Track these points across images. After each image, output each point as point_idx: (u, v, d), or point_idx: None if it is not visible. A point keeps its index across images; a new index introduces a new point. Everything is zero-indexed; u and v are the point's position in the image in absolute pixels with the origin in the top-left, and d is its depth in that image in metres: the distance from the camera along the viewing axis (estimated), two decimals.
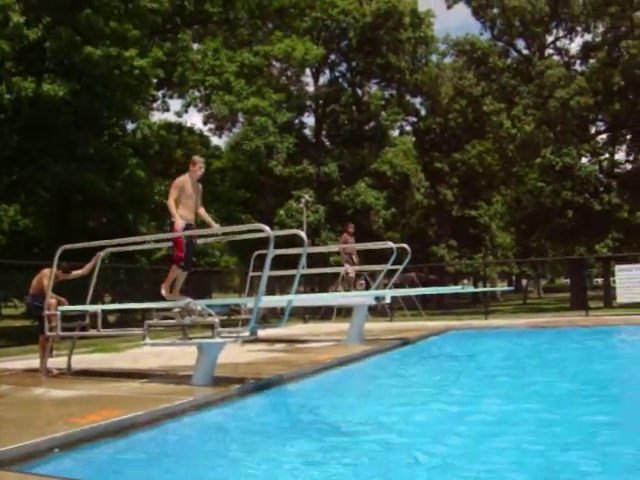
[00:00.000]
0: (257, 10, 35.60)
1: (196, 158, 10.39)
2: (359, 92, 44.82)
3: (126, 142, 30.40)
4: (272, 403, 8.48)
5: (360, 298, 15.04)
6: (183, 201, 9.90)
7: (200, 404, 7.43)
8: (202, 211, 10.27)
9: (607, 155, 39.03)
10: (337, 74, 45.27)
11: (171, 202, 9.82)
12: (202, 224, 10.36)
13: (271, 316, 23.01)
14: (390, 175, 39.16)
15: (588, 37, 40.28)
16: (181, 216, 9.70)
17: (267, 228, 8.28)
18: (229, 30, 36.91)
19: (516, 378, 9.99)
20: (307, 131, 45.81)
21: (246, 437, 6.37)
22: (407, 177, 39.93)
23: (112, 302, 26.56)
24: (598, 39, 38.45)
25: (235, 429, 6.81)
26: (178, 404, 7.14)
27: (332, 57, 44.00)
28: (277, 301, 13.80)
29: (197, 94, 37.89)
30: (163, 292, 9.79)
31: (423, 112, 50.80)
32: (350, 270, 18.02)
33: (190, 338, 8.90)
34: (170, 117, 53.52)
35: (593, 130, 40.19)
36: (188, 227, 9.89)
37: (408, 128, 51.13)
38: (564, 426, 6.35)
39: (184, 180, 10.02)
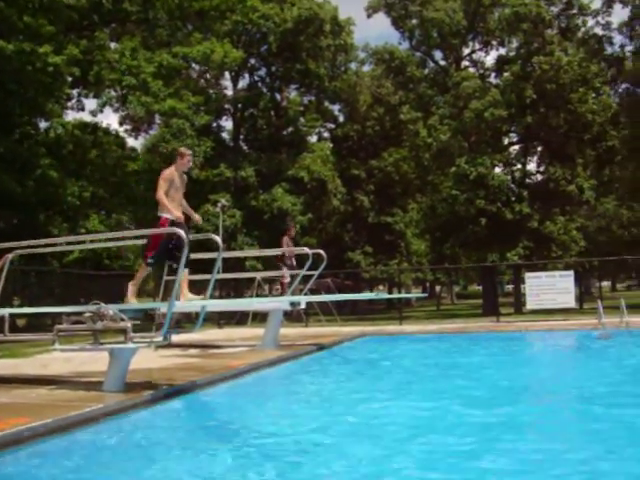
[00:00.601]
0: (177, 11, 35.29)
1: (183, 150, 10.13)
2: (278, 97, 44.85)
3: (39, 141, 29.75)
4: (184, 410, 8.41)
5: (275, 303, 15.04)
6: (172, 195, 9.58)
7: (111, 411, 7.29)
8: (184, 202, 10.05)
9: (519, 166, 40.14)
10: (256, 78, 45.21)
11: (162, 195, 9.45)
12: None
13: (185, 321, 22.81)
14: (307, 181, 39.26)
15: (503, 51, 41.50)
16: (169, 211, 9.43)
17: (181, 232, 8.21)
18: (148, 30, 36.42)
19: (424, 381, 10.28)
20: (225, 135, 45.63)
21: (156, 444, 6.31)
22: (324, 183, 40.09)
23: (21, 306, 25.84)
24: (512, 53, 39.55)
25: (146, 436, 6.72)
26: (88, 411, 6.98)
27: (252, 61, 43.88)
28: (191, 306, 13.67)
29: (113, 94, 37.24)
30: (128, 294, 9.57)
31: (341, 119, 51.25)
32: (287, 274, 18.14)
33: (102, 343, 8.72)
34: (85, 117, 52.31)
35: (506, 141, 41.30)
36: (175, 223, 9.46)
37: (326, 134, 51.43)
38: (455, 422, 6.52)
39: (172, 172, 9.70)
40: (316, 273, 15.03)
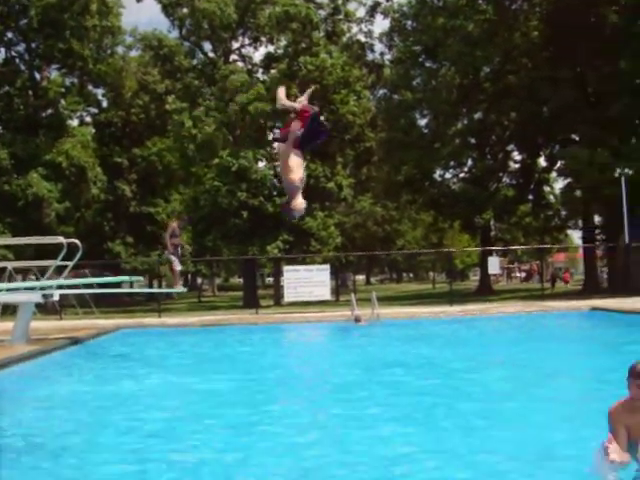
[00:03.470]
0: None
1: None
2: (37, 76, 42.59)
3: None
4: None
5: (25, 295, 14.25)
6: None
7: None
8: None
9: None
10: (14, 54, 42.62)
11: None
12: None
13: None
14: (66, 167, 37.68)
15: (271, 48, 42.22)
16: None
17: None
18: None
19: (168, 370, 10.79)
20: None
21: None
22: (84, 170, 38.69)
23: None
24: (280, 51, 40.41)
25: None
26: None
27: (9, 35, 41.30)
28: None
29: None
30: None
31: (105, 104, 49.65)
32: (177, 263, 17.60)
33: None
34: None
35: (270, 136, 42.08)
36: None
37: (88, 119, 49.60)
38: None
39: None
40: (71, 264, 14.41)
